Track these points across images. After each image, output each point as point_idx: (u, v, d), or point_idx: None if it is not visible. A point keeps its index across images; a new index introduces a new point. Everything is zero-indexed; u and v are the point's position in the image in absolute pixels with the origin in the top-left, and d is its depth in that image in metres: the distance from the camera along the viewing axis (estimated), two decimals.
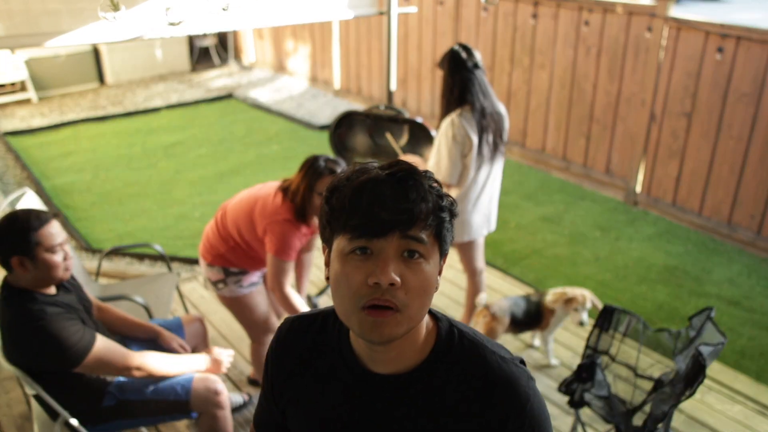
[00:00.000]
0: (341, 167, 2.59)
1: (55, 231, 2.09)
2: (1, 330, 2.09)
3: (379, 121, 3.85)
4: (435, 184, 0.98)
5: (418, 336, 1.01)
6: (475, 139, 2.79)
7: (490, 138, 2.86)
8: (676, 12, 4.60)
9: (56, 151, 6.30)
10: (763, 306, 3.85)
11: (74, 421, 2.23)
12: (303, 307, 2.65)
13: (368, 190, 0.93)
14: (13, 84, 7.70)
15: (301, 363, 1.10)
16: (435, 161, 2.85)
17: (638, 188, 5.11)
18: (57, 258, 2.08)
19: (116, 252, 4.12)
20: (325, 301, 3.79)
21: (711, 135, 4.56)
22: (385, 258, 0.92)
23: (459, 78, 2.79)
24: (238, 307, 2.78)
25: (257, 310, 2.80)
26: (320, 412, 1.07)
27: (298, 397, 1.10)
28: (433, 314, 1.06)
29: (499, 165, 2.99)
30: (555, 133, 5.64)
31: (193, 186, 5.53)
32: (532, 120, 5.78)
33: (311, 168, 2.56)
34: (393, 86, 3.99)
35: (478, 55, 2.85)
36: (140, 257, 4.28)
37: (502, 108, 2.94)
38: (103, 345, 2.09)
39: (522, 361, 1.06)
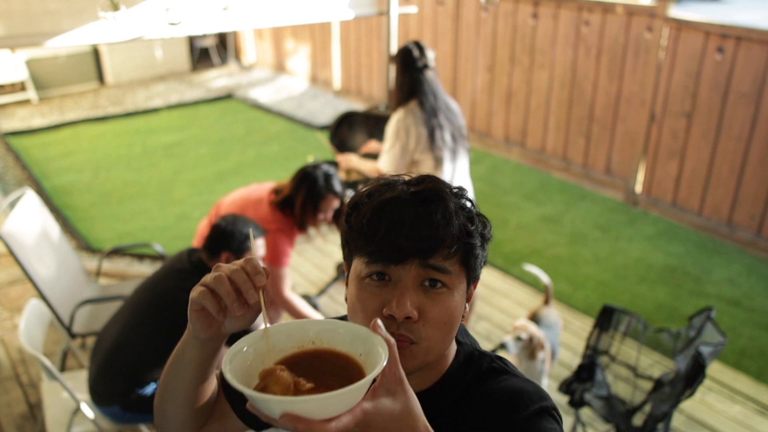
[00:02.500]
0: (338, 183, 2.72)
1: (263, 244, 2.36)
2: (176, 290, 2.23)
3: (379, 121, 3.85)
4: (467, 204, 0.90)
5: (443, 367, 0.95)
6: (423, 131, 2.81)
7: (447, 136, 2.87)
8: (676, 12, 4.60)
9: (56, 151, 6.30)
10: (763, 306, 3.85)
11: (88, 411, 2.24)
12: (307, 309, 2.68)
13: (388, 213, 0.85)
14: (13, 84, 7.70)
15: None
16: (383, 150, 2.91)
17: (638, 188, 5.11)
18: None
19: (116, 252, 4.11)
20: (325, 302, 3.79)
21: (711, 135, 4.56)
22: (402, 288, 0.85)
23: (408, 77, 2.83)
24: None
25: None
26: None
27: None
28: (458, 340, 1.00)
29: (463, 161, 3.01)
30: (555, 133, 5.64)
31: (193, 186, 5.53)
32: (532, 120, 5.78)
33: (312, 189, 2.65)
34: (393, 86, 3.98)
35: (431, 55, 2.88)
36: (140, 257, 4.28)
37: (454, 105, 2.97)
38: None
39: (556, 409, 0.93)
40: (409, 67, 2.83)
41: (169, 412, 0.97)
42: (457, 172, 2.99)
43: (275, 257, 2.64)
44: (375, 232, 0.85)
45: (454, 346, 0.98)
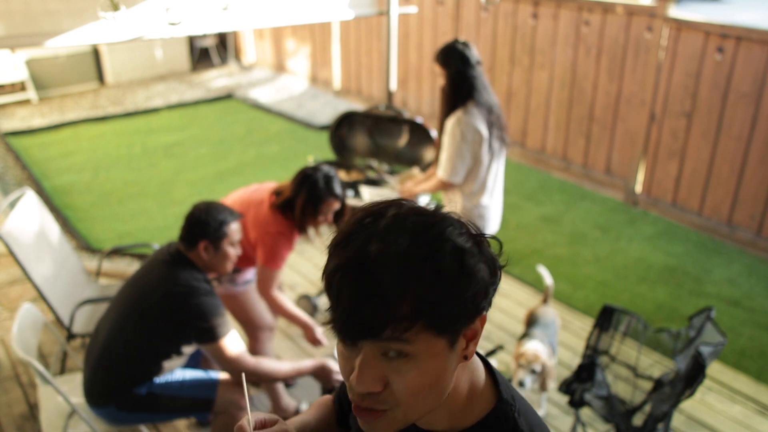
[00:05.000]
0: (339, 185, 2.70)
1: (238, 228, 2.35)
2: (158, 283, 2.23)
3: (379, 121, 3.85)
4: (452, 260, 0.76)
5: (453, 403, 0.86)
6: (484, 132, 2.80)
7: (497, 133, 2.88)
8: (676, 12, 4.60)
9: (56, 151, 6.30)
10: (763, 306, 3.85)
11: (83, 415, 2.24)
12: (291, 308, 2.69)
13: (335, 285, 0.77)
14: (13, 84, 7.70)
15: None
16: (444, 158, 2.85)
17: (638, 188, 5.11)
18: (234, 252, 2.32)
19: (116, 252, 4.11)
20: (325, 302, 3.79)
21: (711, 135, 4.56)
22: (362, 363, 0.77)
23: (466, 75, 2.78)
24: (234, 305, 2.82)
25: (252, 307, 2.84)
26: None
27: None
28: (496, 380, 0.90)
29: (503, 158, 3.02)
30: (555, 133, 5.64)
31: (193, 186, 5.53)
32: (532, 120, 5.78)
33: (312, 192, 2.64)
34: (393, 86, 3.99)
35: (476, 51, 2.87)
36: (140, 257, 4.28)
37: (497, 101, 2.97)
38: (233, 339, 2.23)
39: None
40: (467, 65, 2.77)
41: None
42: (500, 169, 2.99)
43: (272, 260, 2.65)
44: (331, 301, 0.79)
45: (491, 389, 0.89)
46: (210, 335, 2.19)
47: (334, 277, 0.78)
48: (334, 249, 0.80)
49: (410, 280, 0.73)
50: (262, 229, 2.65)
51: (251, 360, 2.26)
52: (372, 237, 0.76)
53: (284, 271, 3.83)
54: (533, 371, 2.63)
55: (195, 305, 2.18)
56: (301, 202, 2.63)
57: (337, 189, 2.68)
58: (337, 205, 2.73)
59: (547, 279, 3.14)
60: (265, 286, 2.67)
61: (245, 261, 2.75)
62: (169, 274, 2.23)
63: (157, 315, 2.21)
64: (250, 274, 2.83)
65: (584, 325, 3.59)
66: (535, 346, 2.71)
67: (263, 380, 2.39)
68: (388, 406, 0.79)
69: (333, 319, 0.78)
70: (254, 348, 2.92)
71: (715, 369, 3.23)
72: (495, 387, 0.90)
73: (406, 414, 0.80)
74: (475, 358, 0.89)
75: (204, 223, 2.26)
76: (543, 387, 2.69)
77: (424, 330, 0.75)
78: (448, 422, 0.87)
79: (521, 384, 2.62)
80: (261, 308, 2.87)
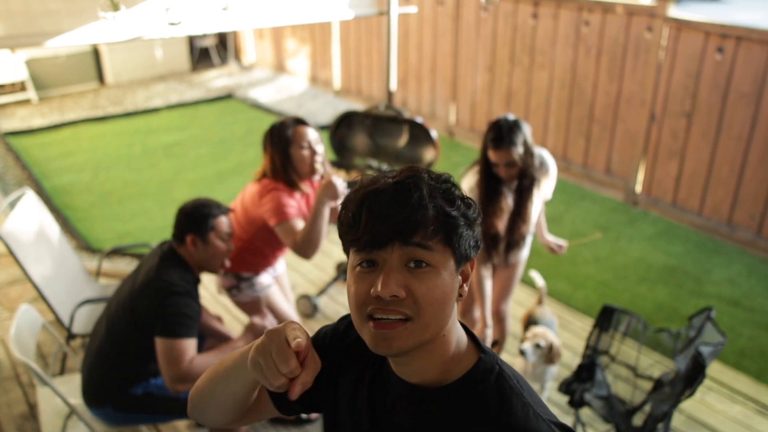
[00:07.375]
0: (303, 119, 2.61)
1: (228, 222, 2.34)
2: (144, 278, 2.25)
3: (379, 121, 3.85)
4: (448, 187, 0.94)
5: (445, 352, 0.96)
6: None
7: None
8: (676, 12, 4.60)
9: (56, 151, 6.30)
10: (763, 306, 3.85)
11: (81, 416, 2.24)
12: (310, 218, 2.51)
13: (368, 202, 0.91)
14: (13, 84, 7.70)
15: (353, 357, 1.10)
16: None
17: (638, 188, 5.11)
18: (224, 247, 2.31)
19: (116, 252, 4.11)
20: (325, 302, 3.79)
21: (711, 135, 4.56)
22: (388, 270, 0.89)
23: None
24: (258, 310, 2.78)
25: (278, 308, 2.81)
26: (352, 402, 1.07)
27: (342, 388, 1.09)
28: (480, 347, 1.01)
29: None
30: (555, 133, 5.64)
31: (193, 186, 5.53)
32: (532, 120, 5.78)
33: (275, 135, 2.55)
34: (393, 86, 3.99)
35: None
36: (140, 257, 4.28)
37: None
38: (189, 346, 2.16)
39: (565, 428, 0.97)
40: None
41: (214, 407, 1.07)
42: None
43: (279, 213, 2.50)
44: (358, 221, 0.91)
45: (474, 350, 0.99)
46: (170, 330, 2.12)
47: (365, 199, 0.91)
48: (354, 195, 0.94)
49: (435, 196, 0.91)
50: (257, 200, 2.56)
51: (194, 370, 2.15)
52: (390, 178, 0.93)
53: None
54: (537, 345, 2.63)
55: (170, 301, 2.15)
56: (272, 153, 2.54)
57: (300, 119, 2.58)
58: (310, 133, 2.57)
59: (539, 281, 3.17)
60: (292, 239, 2.48)
61: (261, 261, 2.72)
62: (156, 271, 2.23)
63: (152, 315, 2.20)
64: (268, 278, 2.80)
65: (584, 325, 3.59)
66: (544, 328, 2.73)
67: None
68: (410, 312, 0.89)
69: (361, 234, 0.90)
70: None
71: (715, 369, 3.23)
72: (476, 345, 1.01)
73: (422, 327, 0.90)
74: (458, 324, 1.00)
75: (190, 217, 2.29)
76: (551, 361, 2.68)
77: (442, 243, 0.91)
78: (440, 372, 0.96)
79: (522, 352, 2.60)
80: (286, 308, 2.85)
